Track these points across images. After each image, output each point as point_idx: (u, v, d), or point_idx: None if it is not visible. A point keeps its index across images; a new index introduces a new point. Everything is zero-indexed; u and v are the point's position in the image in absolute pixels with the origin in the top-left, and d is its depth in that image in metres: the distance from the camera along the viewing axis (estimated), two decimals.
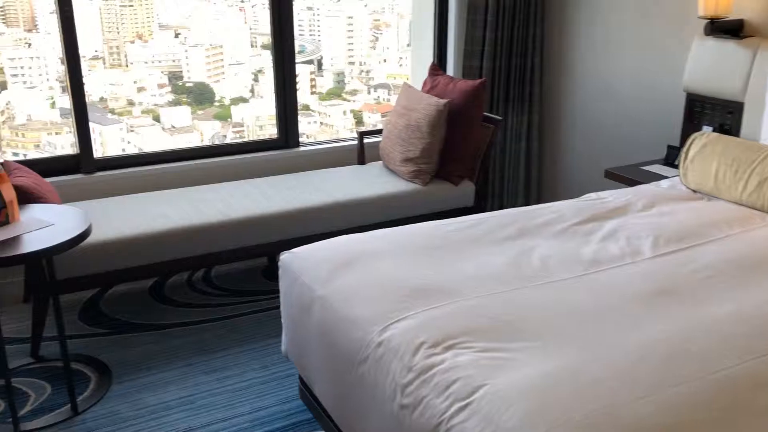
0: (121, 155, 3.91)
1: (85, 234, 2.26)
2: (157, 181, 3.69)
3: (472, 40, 4.10)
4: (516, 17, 4.09)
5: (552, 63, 4.27)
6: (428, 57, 4.50)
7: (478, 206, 3.69)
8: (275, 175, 3.95)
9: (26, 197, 2.62)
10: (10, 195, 2.32)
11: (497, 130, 3.63)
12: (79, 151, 3.71)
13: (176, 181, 3.70)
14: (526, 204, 4.43)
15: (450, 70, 4.32)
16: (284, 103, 4.15)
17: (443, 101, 3.44)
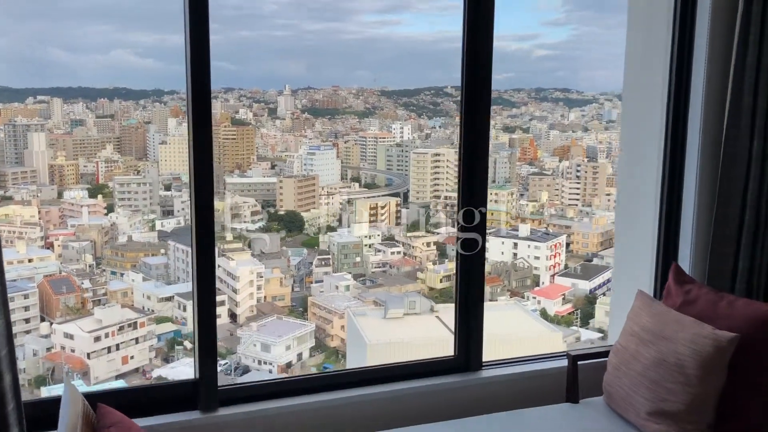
0: (251, 383, 3.02)
1: None
2: (292, 424, 2.85)
3: (723, 227, 2.97)
4: None
5: None
6: (645, 244, 3.37)
7: None
8: (449, 418, 2.82)
9: None
10: None
11: None
12: (199, 377, 2.77)
13: (316, 425, 2.89)
14: None
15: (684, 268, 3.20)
16: (467, 309, 3.13)
17: (728, 335, 2.45)
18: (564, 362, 3.09)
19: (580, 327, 36.74)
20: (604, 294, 38.20)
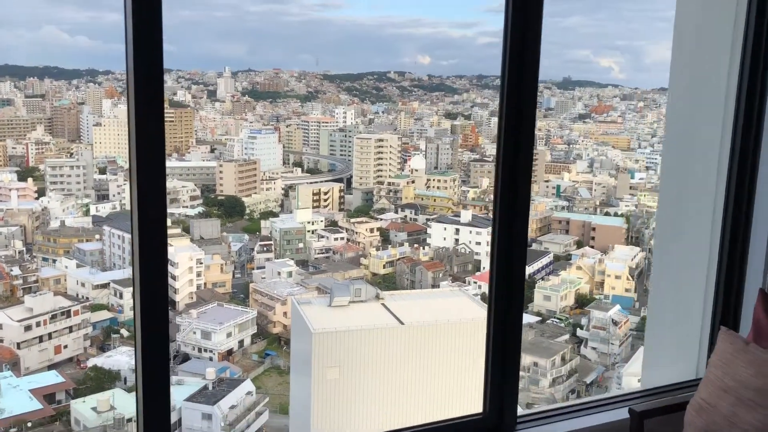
0: None
1: None
2: None
3: None
4: None
5: None
6: (697, 267, 2.69)
7: None
8: None
9: None
10: None
11: None
12: None
13: None
14: None
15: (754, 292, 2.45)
16: (503, 356, 2.43)
17: None
18: (619, 414, 2.45)
19: None
20: (542, 278, 39.19)
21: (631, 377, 48.35)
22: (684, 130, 2.77)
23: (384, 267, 59.31)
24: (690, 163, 2.73)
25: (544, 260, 58.23)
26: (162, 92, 2.05)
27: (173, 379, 41.24)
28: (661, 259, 2.99)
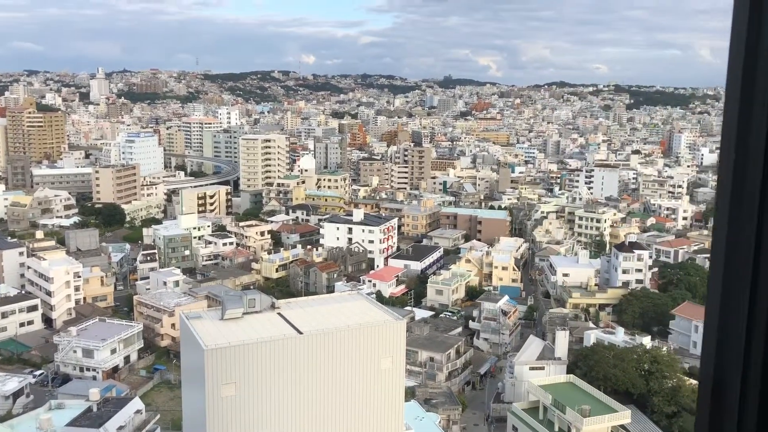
0: None
1: None
2: None
3: None
4: None
5: None
6: None
7: None
8: None
9: None
10: None
11: None
12: None
13: None
14: None
15: None
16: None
17: None
18: None
19: (414, 307, 39.31)
20: (434, 273, 41.32)
21: (523, 366, 50.46)
22: None
23: (277, 271, 58.64)
24: None
25: (435, 255, 59.84)
26: None
27: (52, 403, 38.68)
28: None
